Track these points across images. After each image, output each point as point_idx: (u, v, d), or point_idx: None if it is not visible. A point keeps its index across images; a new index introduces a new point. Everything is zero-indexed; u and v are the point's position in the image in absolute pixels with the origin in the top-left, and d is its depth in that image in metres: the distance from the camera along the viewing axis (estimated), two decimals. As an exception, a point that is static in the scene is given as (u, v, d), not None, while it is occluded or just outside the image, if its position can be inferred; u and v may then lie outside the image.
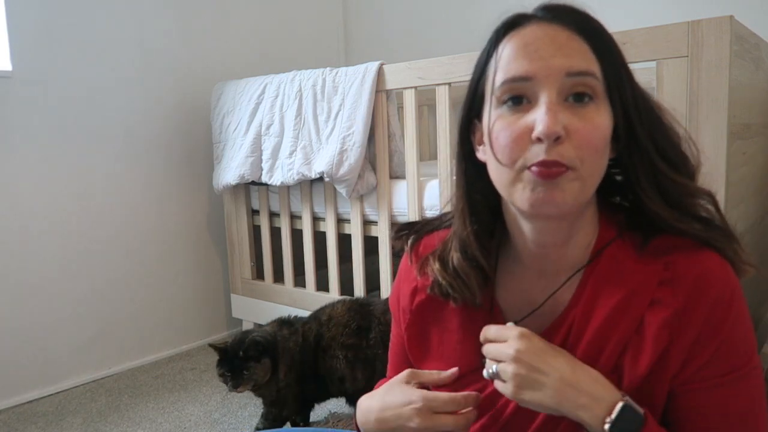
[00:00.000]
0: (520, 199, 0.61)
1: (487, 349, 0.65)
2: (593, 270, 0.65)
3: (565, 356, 0.61)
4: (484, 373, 0.65)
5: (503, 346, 0.62)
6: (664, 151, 0.63)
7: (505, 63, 0.61)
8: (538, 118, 0.58)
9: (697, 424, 0.62)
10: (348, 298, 1.67)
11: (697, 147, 0.66)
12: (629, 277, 0.63)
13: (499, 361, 0.62)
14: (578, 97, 0.59)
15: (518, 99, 0.60)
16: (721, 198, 1.28)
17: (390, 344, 0.86)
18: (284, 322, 1.65)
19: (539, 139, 0.57)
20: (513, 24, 0.63)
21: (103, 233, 2.21)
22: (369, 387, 1.62)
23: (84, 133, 2.14)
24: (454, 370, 0.70)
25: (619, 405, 0.57)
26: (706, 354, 0.60)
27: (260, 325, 1.86)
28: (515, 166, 0.60)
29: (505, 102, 0.61)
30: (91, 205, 2.17)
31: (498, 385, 0.63)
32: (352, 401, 1.68)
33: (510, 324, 0.66)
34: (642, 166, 0.63)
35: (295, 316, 1.69)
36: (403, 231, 0.81)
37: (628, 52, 1.44)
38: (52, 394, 2.08)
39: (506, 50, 0.61)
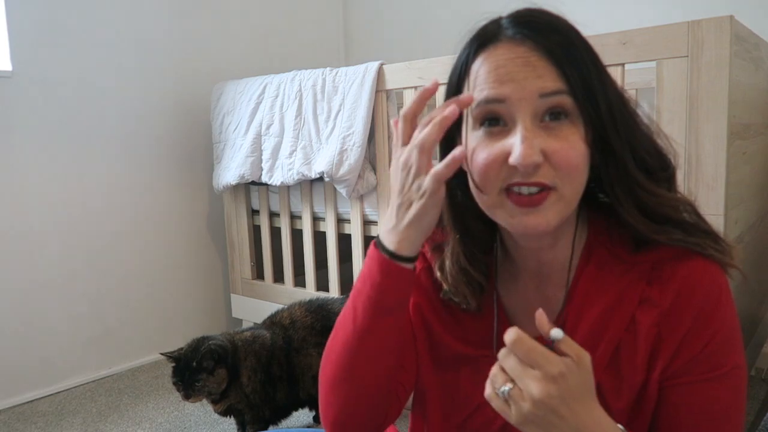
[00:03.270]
0: (503, 222, 0.62)
1: (508, 364, 0.54)
2: (584, 270, 0.67)
3: (589, 400, 0.56)
4: (488, 389, 0.56)
5: (530, 376, 0.53)
6: (642, 161, 0.63)
7: (479, 85, 0.61)
8: (515, 145, 0.57)
9: (679, 420, 0.62)
10: (301, 300, 1.66)
11: (669, 141, 0.66)
12: (619, 277, 0.64)
13: (512, 384, 0.54)
14: (554, 116, 0.59)
15: (494, 121, 0.60)
16: (720, 198, 1.28)
17: (369, 254, 0.85)
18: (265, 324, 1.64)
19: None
20: (484, 41, 0.62)
21: (103, 233, 2.21)
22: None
23: (84, 133, 2.14)
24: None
25: None
26: (695, 349, 0.61)
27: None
28: (494, 190, 0.60)
29: (482, 124, 0.61)
30: (91, 205, 2.17)
31: (498, 405, 0.55)
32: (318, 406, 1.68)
33: (555, 334, 0.54)
34: (618, 179, 0.62)
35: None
36: None
37: (628, 52, 1.44)
38: (52, 394, 2.08)
39: (480, 71, 0.61)
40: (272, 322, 1.62)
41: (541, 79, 0.58)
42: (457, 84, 0.65)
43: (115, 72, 2.21)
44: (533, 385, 0.53)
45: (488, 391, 0.56)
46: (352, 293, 0.69)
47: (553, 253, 0.67)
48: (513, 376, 0.54)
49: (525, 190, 0.58)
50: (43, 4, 2.01)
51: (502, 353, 0.55)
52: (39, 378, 2.07)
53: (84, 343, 2.18)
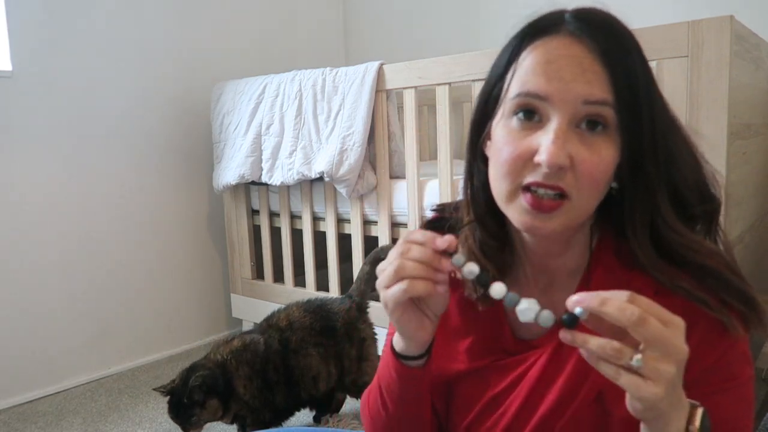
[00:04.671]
0: (513, 218, 0.61)
1: (651, 328, 0.47)
2: (590, 276, 0.65)
3: None
4: (608, 369, 0.49)
5: (671, 334, 0.48)
6: (677, 192, 0.60)
7: (523, 74, 0.59)
8: (544, 144, 0.56)
9: None
10: (299, 301, 1.66)
11: (714, 174, 0.63)
12: (626, 284, 0.61)
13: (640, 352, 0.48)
14: (591, 125, 0.57)
15: (530, 113, 0.58)
16: (720, 198, 1.27)
17: (388, 333, 0.85)
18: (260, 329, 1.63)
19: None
20: (541, 30, 0.59)
21: (103, 233, 2.21)
22: (340, 383, 1.60)
23: (83, 132, 2.14)
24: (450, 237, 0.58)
25: (700, 411, 0.52)
26: (710, 359, 0.60)
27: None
28: (513, 182, 0.59)
29: (515, 113, 0.59)
30: (91, 205, 2.17)
31: (628, 382, 0.48)
32: (320, 406, 1.69)
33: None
34: (642, 205, 0.59)
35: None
36: (436, 223, 0.76)
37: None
38: (52, 394, 2.08)
39: (527, 61, 0.59)
40: (268, 324, 1.60)
41: (589, 85, 0.56)
42: (504, 66, 0.62)
43: (115, 72, 2.21)
44: (680, 340, 0.48)
45: (610, 371, 0.49)
46: (379, 371, 0.71)
47: (563, 260, 0.66)
48: (652, 339, 0.47)
49: (542, 192, 0.57)
50: (43, 4, 2.01)
51: (632, 315, 0.47)
52: (39, 378, 2.07)
53: (84, 343, 2.18)
